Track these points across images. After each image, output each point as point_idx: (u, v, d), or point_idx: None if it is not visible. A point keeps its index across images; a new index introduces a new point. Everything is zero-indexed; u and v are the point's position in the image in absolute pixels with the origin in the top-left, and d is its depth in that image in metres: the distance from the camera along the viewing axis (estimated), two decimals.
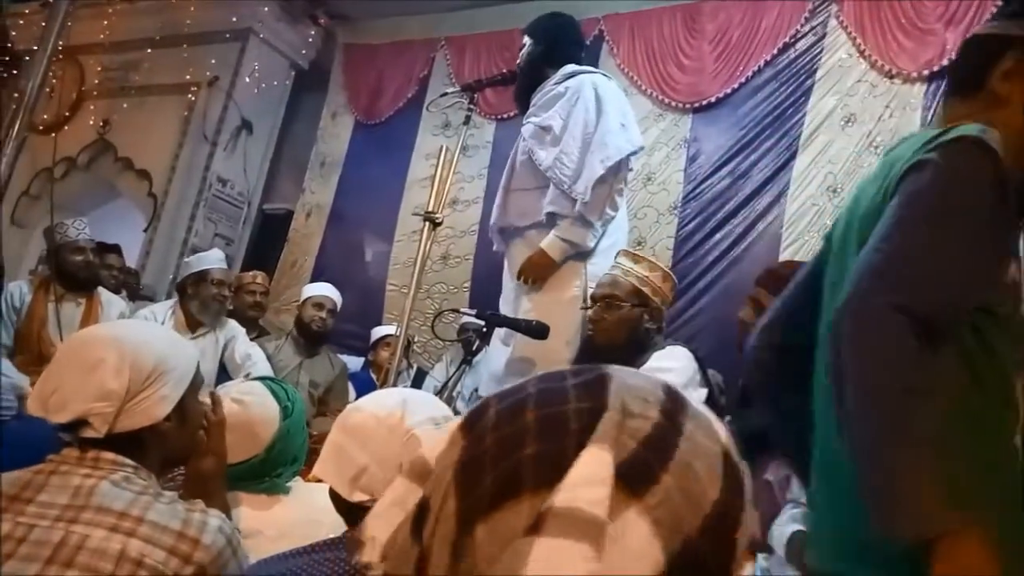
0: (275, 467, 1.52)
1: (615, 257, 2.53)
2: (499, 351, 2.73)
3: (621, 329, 2.31)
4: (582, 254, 2.73)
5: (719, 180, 4.10)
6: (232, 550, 1.12)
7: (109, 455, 1.11)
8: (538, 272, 2.71)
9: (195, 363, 1.25)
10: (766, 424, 1.33)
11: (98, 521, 1.04)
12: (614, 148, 2.72)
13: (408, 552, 0.43)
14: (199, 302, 3.41)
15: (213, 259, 3.58)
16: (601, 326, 2.35)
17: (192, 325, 3.40)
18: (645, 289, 2.31)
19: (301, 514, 1.45)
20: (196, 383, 1.25)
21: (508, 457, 0.41)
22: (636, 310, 2.30)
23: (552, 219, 2.74)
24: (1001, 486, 0.98)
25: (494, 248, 3.08)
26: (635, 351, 2.28)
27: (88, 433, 1.10)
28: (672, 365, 2.17)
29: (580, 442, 0.41)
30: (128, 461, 1.12)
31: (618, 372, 0.47)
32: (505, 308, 2.89)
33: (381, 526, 0.47)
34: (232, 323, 3.56)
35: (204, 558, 1.07)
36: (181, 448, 1.26)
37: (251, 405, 1.50)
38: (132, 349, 1.15)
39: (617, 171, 2.73)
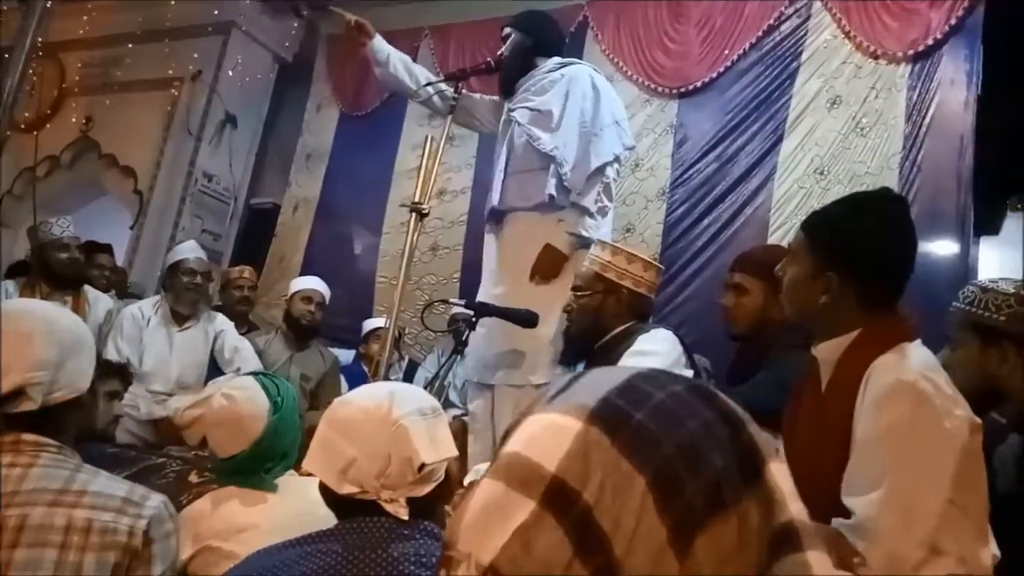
0: (263, 462, 1.52)
1: None
2: (476, 339, 2.72)
3: (584, 316, 2.33)
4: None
5: (707, 165, 4.10)
6: (174, 528, 1.13)
7: (30, 437, 1.10)
8: (551, 269, 2.73)
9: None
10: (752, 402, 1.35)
11: (34, 500, 1.04)
12: (606, 146, 2.78)
13: (568, 569, 0.42)
14: (174, 294, 3.41)
15: (185, 250, 3.56)
16: (569, 316, 2.40)
17: (177, 319, 3.40)
18: (608, 275, 2.30)
19: (295, 507, 1.46)
20: (97, 358, 1.27)
21: (702, 471, 0.44)
22: (596, 296, 2.31)
23: (554, 201, 2.76)
24: None
25: (486, 231, 3.07)
26: (603, 336, 2.30)
27: (25, 406, 1.09)
28: (655, 348, 2.19)
29: (757, 457, 0.46)
30: (50, 441, 1.11)
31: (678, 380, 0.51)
32: (485, 293, 2.89)
33: (479, 540, 0.44)
34: (221, 317, 3.56)
35: (149, 518, 1.08)
36: (93, 420, 1.29)
37: (240, 400, 1.50)
38: (55, 322, 1.17)
39: (609, 165, 2.79)
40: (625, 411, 0.45)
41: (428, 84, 3.13)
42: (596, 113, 2.81)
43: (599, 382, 0.49)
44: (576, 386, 0.49)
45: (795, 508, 0.46)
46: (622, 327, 2.29)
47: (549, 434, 0.46)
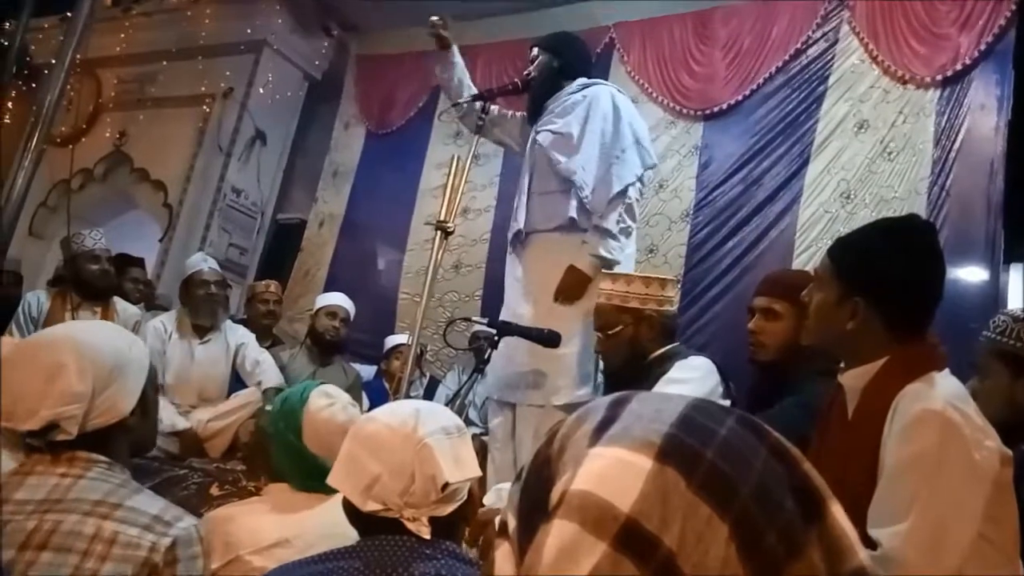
0: None
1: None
2: (498, 357, 2.72)
3: (620, 352, 2.30)
4: None
5: (731, 187, 4.08)
6: (202, 551, 1.14)
7: (82, 453, 1.14)
8: (575, 291, 2.73)
9: (148, 354, 1.29)
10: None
11: (72, 508, 1.07)
12: (628, 167, 2.78)
13: None
14: (192, 308, 3.46)
15: (195, 262, 3.60)
16: (603, 356, 2.39)
17: (198, 332, 3.43)
18: (631, 304, 2.28)
19: (333, 519, 1.45)
20: (152, 374, 1.28)
21: (776, 516, 0.43)
22: (628, 329, 2.28)
23: (576, 223, 2.76)
24: None
25: (509, 251, 3.07)
26: (642, 363, 2.28)
27: (60, 436, 1.11)
28: (688, 376, 2.16)
29: (816, 497, 0.45)
30: (101, 457, 1.15)
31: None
32: (508, 313, 2.89)
33: None
34: (241, 329, 3.59)
35: (175, 537, 1.10)
36: (145, 439, 1.30)
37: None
38: (90, 349, 1.17)
39: (631, 186, 2.80)
40: (696, 449, 0.44)
41: (454, 105, 3.17)
42: (616, 133, 2.82)
43: (654, 412, 0.47)
44: (627, 415, 0.48)
45: (863, 553, 0.45)
46: (660, 351, 2.27)
47: (619, 472, 0.44)
